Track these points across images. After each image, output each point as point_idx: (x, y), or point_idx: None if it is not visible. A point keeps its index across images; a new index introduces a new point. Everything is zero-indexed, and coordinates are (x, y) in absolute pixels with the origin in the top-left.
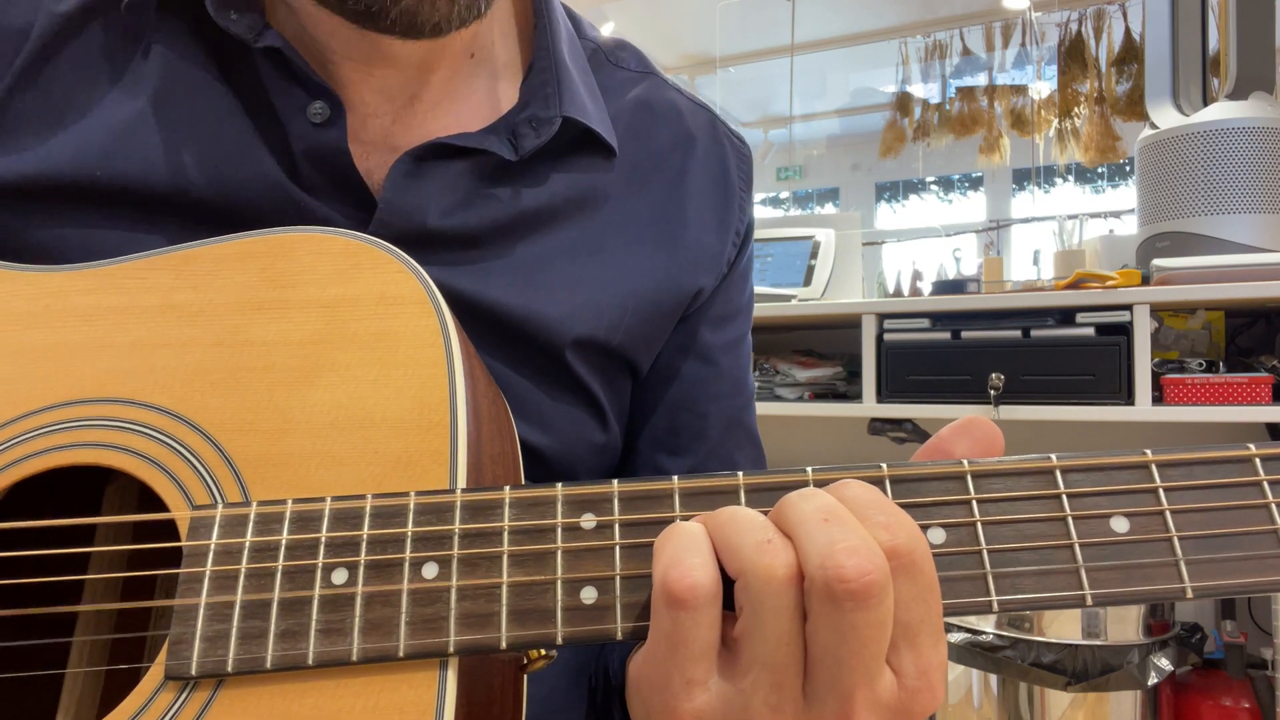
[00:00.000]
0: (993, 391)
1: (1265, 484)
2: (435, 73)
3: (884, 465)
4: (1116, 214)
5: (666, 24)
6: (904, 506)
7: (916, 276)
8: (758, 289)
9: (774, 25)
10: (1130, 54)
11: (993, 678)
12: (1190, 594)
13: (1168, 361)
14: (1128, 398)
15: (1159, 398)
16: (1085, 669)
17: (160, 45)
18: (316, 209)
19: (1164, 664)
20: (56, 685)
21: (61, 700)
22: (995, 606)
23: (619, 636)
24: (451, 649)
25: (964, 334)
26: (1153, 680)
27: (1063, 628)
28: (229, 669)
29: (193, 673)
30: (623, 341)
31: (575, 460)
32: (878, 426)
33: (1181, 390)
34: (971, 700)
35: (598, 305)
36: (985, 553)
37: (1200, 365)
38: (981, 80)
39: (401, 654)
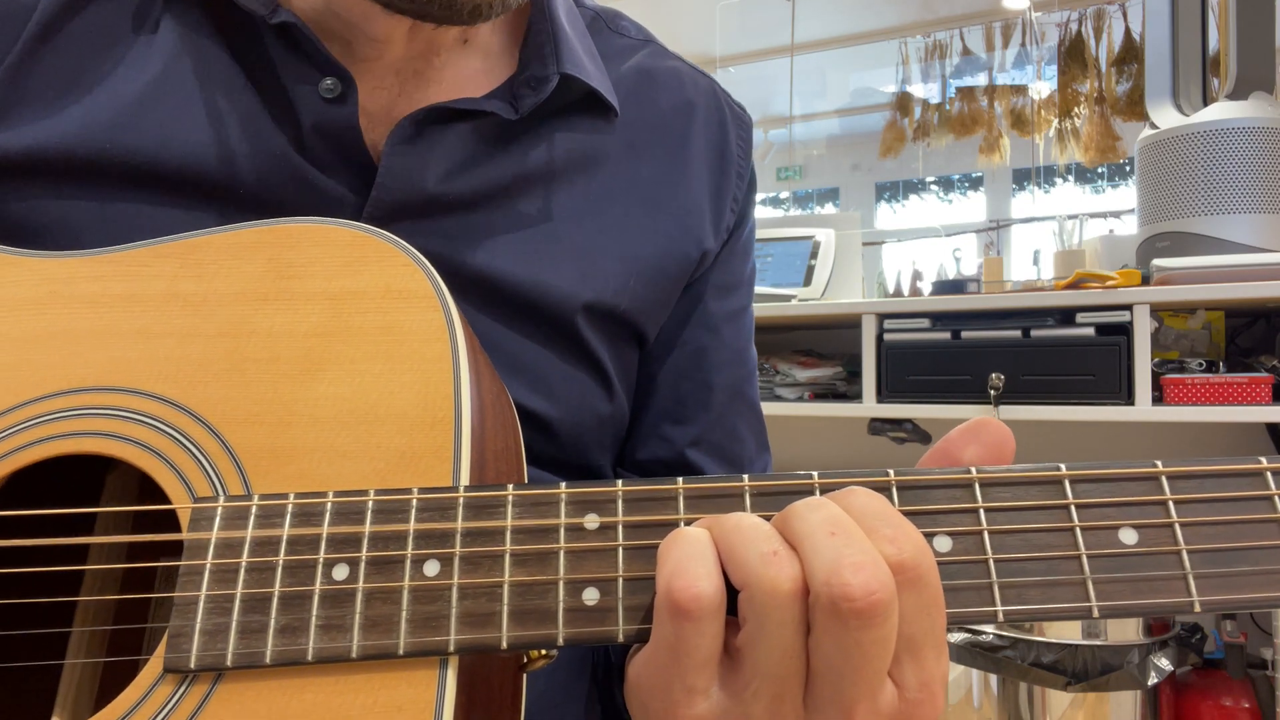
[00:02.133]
0: (993, 391)
1: (1276, 499)
2: (438, 55)
3: (891, 472)
4: (1116, 214)
5: (666, 24)
6: (910, 514)
7: (916, 276)
8: (758, 289)
9: (774, 25)
10: (1130, 54)
11: (993, 678)
12: (1198, 608)
13: (1168, 361)
14: (1128, 398)
15: (1159, 398)
16: (1085, 669)
17: (170, 20)
18: (323, 183)
19: (1164, 664)
20: (55, 675)
21: (59, 690)
22: (1001, 617)
23: (620, 639)
24: (452, 648)
25: (964, 334)
26: (1153, 680)
27: (1063, 628)
28: (228, 663)
29: (191, 666)
30: (629, 307)
31: (582, 430)
32: (878, 426)
33: (1181, 390)
34: (971, 700)
35: (604, 270)
36: (992, 562)
37: (1200, 365)
38: (981, 80)
39: (401, 651)
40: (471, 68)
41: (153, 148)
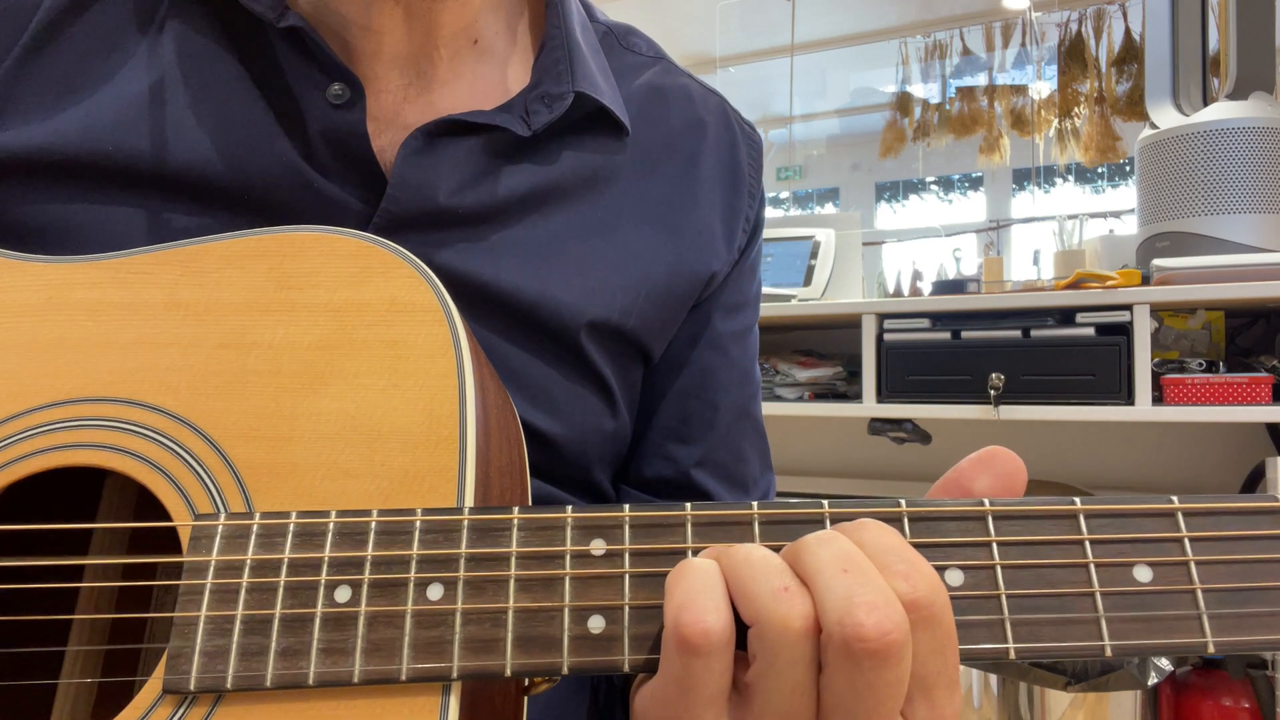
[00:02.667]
0: (993, 391)
1: None
2: (439, 50)
3: (903, 502)
4: (1116, 214)
5: (666, 24)
6: (922, 546)
7: (916, 276)
8: None
9: (774, 25)
10: (1130, 54)
11: (993, 678)
12: (1212, 649)
13: (1168, 361)
14: (1128, 398)
15: (1159, 398)
16: (1085, 669)
17: (175, 22)
18: (330, 190)
19: (1164, 664)
20: (50, 694)
21: (54, 709)
22: (1012, 654)
23: (626, 669)
24: (455, 674)
25: (964, 334)
26: (1153, 680)
27: None
28: (228, 685)
29: (191, 688)
30: (635, 325)
31: (587, 447)
32: (878, 426)
33: (1181, 390)
34: (972, 700)
35: (611, 288)
36: (1004, 597)
37: (1200, 365)
38: (981, 80)
39: (404, 677)
40: (482, 75)
41: (156, 150)
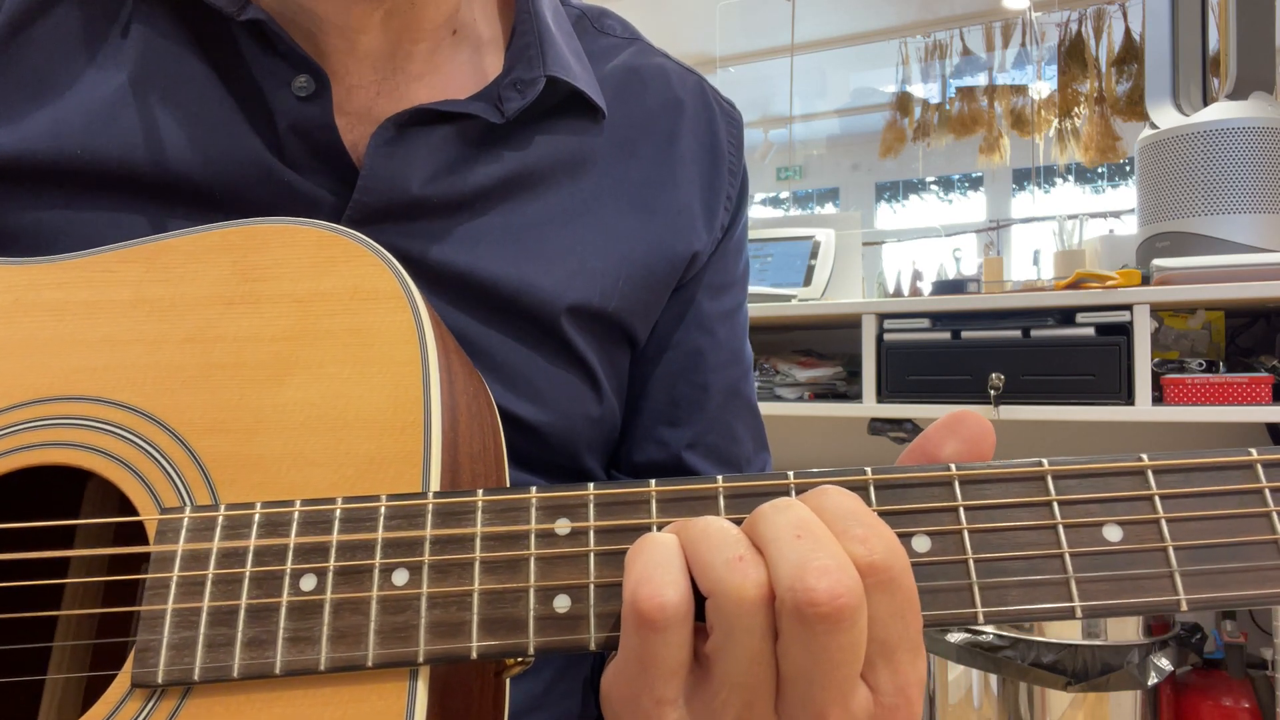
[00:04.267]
0: (993, 391)
1: (1266, 491)
2: (417, 44)
3: (868, 470)
4: (1116, 214)
5: (666, 24)
6: (888, 513)
7: (916, 276)
8: (758, 289)
9: (774, 25)
10: (1130, 54)
11: (993, 678)
12: (1185, 606)
13: (1168, 361)
14: (1128, 398)
15: (1159, 398)
16: (1085, 669)
17: (139, 23)
18: (301, 185)
19: (1164, 664)
20: (39, 689)
21: (42, 704)
22: (981, 618)
23: (592, 647)
24: (421, 659)
25: (964, 334)
26: (1153, 680)
27: (1062, 628)
28: (195, 677)
29: (159, 680)
30: (618, 308)
31: (574, 435)
32: (878, 426)
33: (1181, 390)
34: (971, 700)
35: (591, 271)
36: (971, 562)
37: (1200, 365)
38: (981, 80)
39: (370, 663)
40: (458, 65)
41: (126, 152)
